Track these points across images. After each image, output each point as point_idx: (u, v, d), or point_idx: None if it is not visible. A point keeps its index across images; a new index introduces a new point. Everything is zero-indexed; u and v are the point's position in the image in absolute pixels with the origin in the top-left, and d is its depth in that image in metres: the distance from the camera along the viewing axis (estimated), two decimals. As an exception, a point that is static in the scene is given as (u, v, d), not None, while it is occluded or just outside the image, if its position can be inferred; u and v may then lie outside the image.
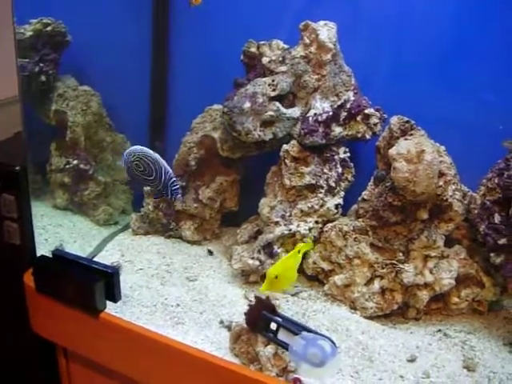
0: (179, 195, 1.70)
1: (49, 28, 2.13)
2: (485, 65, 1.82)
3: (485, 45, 1.81)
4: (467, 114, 1.84)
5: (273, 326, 1.43)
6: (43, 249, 1.83)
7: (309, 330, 1.39)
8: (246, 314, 1.49)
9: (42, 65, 2.13)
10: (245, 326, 1.50)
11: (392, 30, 1.90)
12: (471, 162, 1.75)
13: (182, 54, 2.18)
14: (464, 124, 1.83)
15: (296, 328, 1.39)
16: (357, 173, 1.91)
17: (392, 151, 1.64)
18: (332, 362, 1.31)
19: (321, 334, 1.38)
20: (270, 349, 1.43)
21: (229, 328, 1.61)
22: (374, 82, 1.92)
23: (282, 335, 1.40)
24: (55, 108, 2.19)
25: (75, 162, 2.19)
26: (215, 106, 2.07)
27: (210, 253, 2.00)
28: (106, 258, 1.96)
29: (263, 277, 1.84)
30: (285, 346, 1.38)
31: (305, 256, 1.84)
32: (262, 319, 1.44)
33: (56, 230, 2.14)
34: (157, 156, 1.65)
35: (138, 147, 1.67)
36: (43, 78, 2.15)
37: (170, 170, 1.66)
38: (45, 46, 2.14)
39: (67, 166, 2.21)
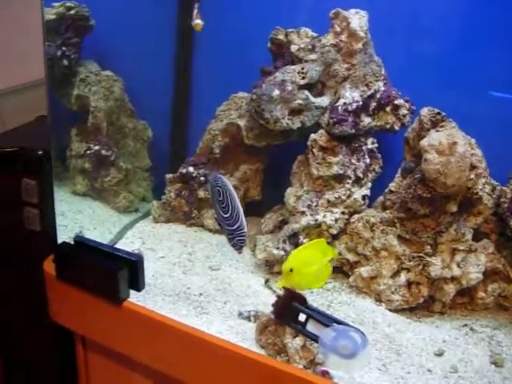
0: (240, 251, 1.58)
1: (72, 11, 2.09)
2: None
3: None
4: (493, 108, 1.81)
5: (301, 317, 1.41)
6: (63, 235, 1.81)
7: (339, 322, 1.37)
8: (273, 305, 1.47)
9: (64, 49, 2.10)
10: (272, 316, 1.48)
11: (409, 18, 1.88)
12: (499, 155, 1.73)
13: (207, 40, 2.14)
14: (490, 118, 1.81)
15: (326, 319, 1.37)
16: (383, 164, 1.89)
17: (423, 142, 1.61)
18: (363, 354, 1.29)
19: (351, 326, 1.37)
20: (299, 340, 1.41)
21: (248, 319, 1.60)
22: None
23: (311, 327, 1.38)
24: (77, 93, 2.16)
25: (96, 147, 2.16)
26: (240, 94, 2.04)
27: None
28: (126, 245, 1.94)
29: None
30: (314, 338, 1.36)
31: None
32: (290, 310, 1.42)
33: (76, 217, 2.11)
34: (239, 204, 1.55)
35: (227, 182, 1.57)
36: (65, 62, 2.12)
37: (245, 225, 1.55)
38: (67, 30, 2.11)
39: (88, 152, 2.18)
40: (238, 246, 1.54)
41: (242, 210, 1.52)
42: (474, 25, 1.82)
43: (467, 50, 1.83)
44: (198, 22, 1.84)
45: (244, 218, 1.53)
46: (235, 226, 1.52)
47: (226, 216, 1.54)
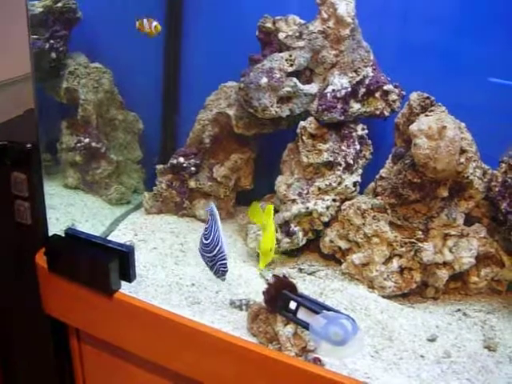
0: (224, 278, 1.53)
1: (59, 4, 2.08)
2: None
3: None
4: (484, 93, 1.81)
5: (292, 305, 1.40)
6: (54, 229, 1.80)
7: (329, 309, 1.37)
8: (264, 293, 1.46)
9: (52, 42, 2.09)
10: (263, 304, 1.48)
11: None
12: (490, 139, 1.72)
13: (196, 29, 2.14)
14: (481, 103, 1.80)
15: (316, 307, 1.36)
16: (373, 150, 1.88)
17: (413, 127, 1.60)
18: (353, 340, 1.28)
19: (342, 313, 1.36)
20: (290, 328, 1.41)
21: (240, 308, 1.60)
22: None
23: (302, 314, 1.38)
24: (66, 86, 2.16)
25: (87, 140, 2.16)
26: (229, 83, 2.03)
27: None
28: (118, 237, 1.94)
29: (279, 256, 1.85)
30: (304, 325, 1.36)
31: (321, 235, 1.85)
32: (281, 298, 1.41)
33: (67, 210, 2.11)
34: (221, 231, 1.51)
35: (215, 210, 1.52)
36: (53, 55, 2.11)
37: (225, 251, 1.50)
38: (55, 23, 2.10)
39: (78, 145, 2.17)
40: (221, 272, 1.50)
41: (223, 237, 1.49)
42: (466, 8, 1.82)
43: (459, 34, 1.82)
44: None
45: (225, 245, 1.49)
46: (215, 251, 1.48)
47: (206, 242, 1.50)
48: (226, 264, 1.50)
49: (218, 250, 1.48)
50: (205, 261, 1.52)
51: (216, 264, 1.49)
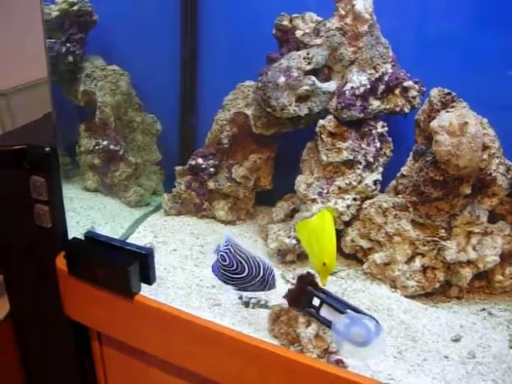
0: (275, 286, 1.46)
1: (75, 7, 2.09)
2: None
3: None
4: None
5: (315, 302, 1.39)
6: (74, 231, 1.80)
7: (353, 309, 1.35)
8: (289, 290, 1.46)
9: (69, 45, 2.10)
10: (284, 306, 1.47)
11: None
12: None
13: (212, 29, 2.13)
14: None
15: (340, 306, 1.35)
16: (394, 148, 1.86)
17: (433, 124, 1.58)
18: (376, 341, 1.27)
19: (365, 313, 1.34)
20: (312, 330, 1.39)
21: (247, 304, 1.60)
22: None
23: (325, 312, 1.37)
24: (83, 88, 2.16)
25: (105, 142, 2.16)
26: (247, 83, 2.02)
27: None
28: (138, 239, 1.94)
29: (300, 256, 1.83)
30: (327, 324, 1.35)
31: (342, 234, 1.84)
32: (305, 294, 1.40)
33: (87, 213, 2.12)
34: (248, 251, 1.43)
35: (229, 235, 1.46)
36: (70, 58, 2.11)
37: (266, 260, 1.44)
38: (71, 26, 2.11)
39: (97, 147, 2.18)
40: (272, 283, 1.45)
41: (255, 253, 1.43)
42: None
43: (479, 28, 1.79)
44: None
45: (262, 258, 1.43)
46: (261, 272, 1.43)
47: (243, 275, 1.44)
48: (274, 274, 1.45)
49: (262, 266, 1.43)
50: (254, 290, 1.46)
51: (268, 278, 1.44)
